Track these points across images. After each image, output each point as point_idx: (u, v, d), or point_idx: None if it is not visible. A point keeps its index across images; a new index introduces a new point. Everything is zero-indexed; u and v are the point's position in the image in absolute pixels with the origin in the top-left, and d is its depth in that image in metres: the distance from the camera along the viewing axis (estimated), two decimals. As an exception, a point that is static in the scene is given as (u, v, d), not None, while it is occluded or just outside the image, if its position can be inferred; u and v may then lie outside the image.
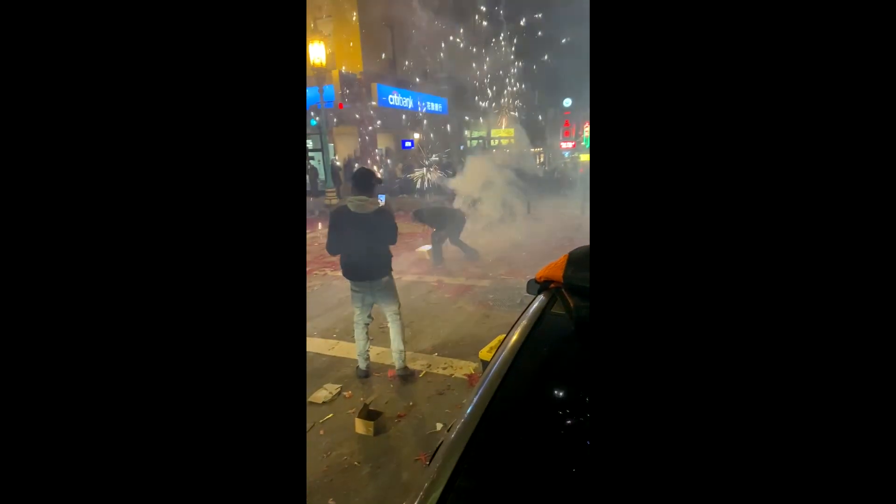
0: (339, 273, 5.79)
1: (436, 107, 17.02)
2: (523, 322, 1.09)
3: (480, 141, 19.41)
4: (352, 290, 3.03)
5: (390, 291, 3.04)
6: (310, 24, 14.18)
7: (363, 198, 2.82)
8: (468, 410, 0.86)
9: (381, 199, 2.99)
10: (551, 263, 1.20)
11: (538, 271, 1.24)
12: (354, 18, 13.94)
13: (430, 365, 3.34)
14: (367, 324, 3.11)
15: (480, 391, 0.90)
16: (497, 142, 19.95)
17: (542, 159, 19.78)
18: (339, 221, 2.84)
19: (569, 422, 0.84)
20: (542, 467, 0.79)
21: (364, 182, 2.86)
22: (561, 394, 0.92)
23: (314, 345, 3.77)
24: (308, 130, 14.52)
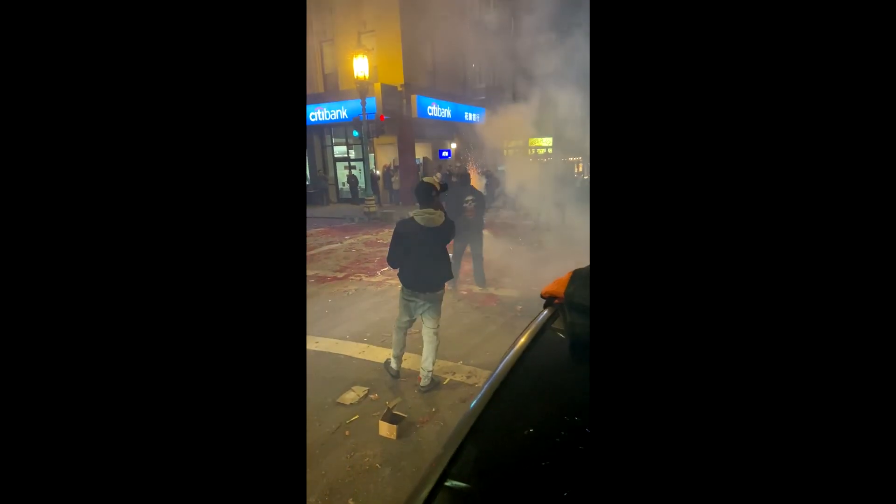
0: (374, 279, 5.95)
1: (474, 117, 17.13)
2: (522, 337, 1.12)
3: (517, 150, 19.32)
4: (405, 298, 3.07)
5: (437, 305, 3.11)
6: (354, 39, 14.69)
7: (430, 210, 2.90)
8: (459, 421, 0.90)
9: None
10: (557, 279, 1.22)
11: (545, 286, 1.26)
12: (397, 34, 14.32)
13: (454, 373, 3.38)
14: (409, 328, 3.19)
15: (474, 403, 0.94)
16: (534, 151, 19.78)
17: (580, 168, 19.44)
18: (407, 235, 2.90)
19: (559, 435, 0.86)
20: (530, 478, 0.81)
21: (426, 195, 2.93)
22: (553, 407, 0.95)
23: (345, 347, 3.90)
24: (350, 141, 14.99)
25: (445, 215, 3.03)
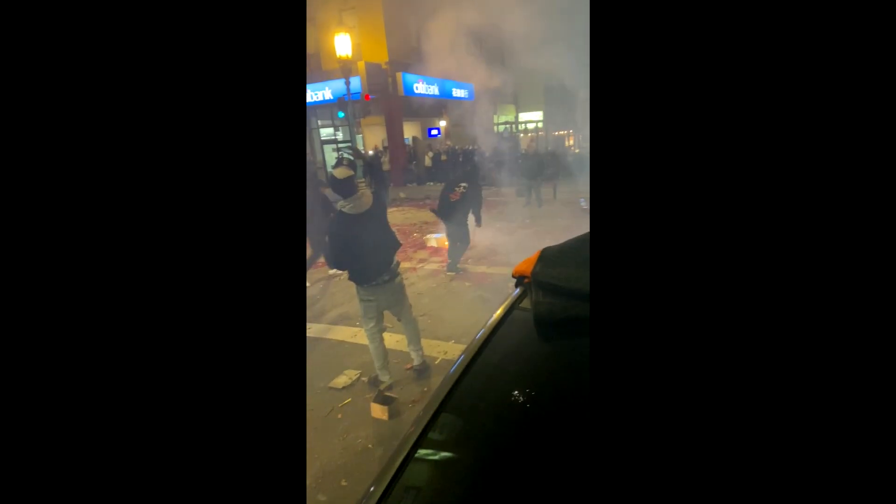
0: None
1: (462, 93, 16.87)
2: (493, 316, 1.13)
3: (508, 126, 19.08)
4: (364, 300, 2.89)
5: (400, 294, 2.97)
6: (335, 16, 14.31)
7: (355, 197, 2.71)
8: (432, 394, 0.92)
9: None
10: (526, 259, 1.23)
11: (515, 266, 1.27)
12: (378, 8, 13.96)
13: (446, 352, 3.42)
14: (382, 332, 3.01)
15: (449, 375, 0.96)
16: (524, 125, 19.57)
17: (571, 141, 19.30)
18: (343, 231, 2.72)
19: (526, 407, 0.88)
20: (501, 445, 0.83)
21: (348, 186, 2.72)
22: (519, 380, 0.97)
23: (338, 332, 3.93)
24: (336, 122, 14.77)
25: (372, 190, 2.83)
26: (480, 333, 1.11)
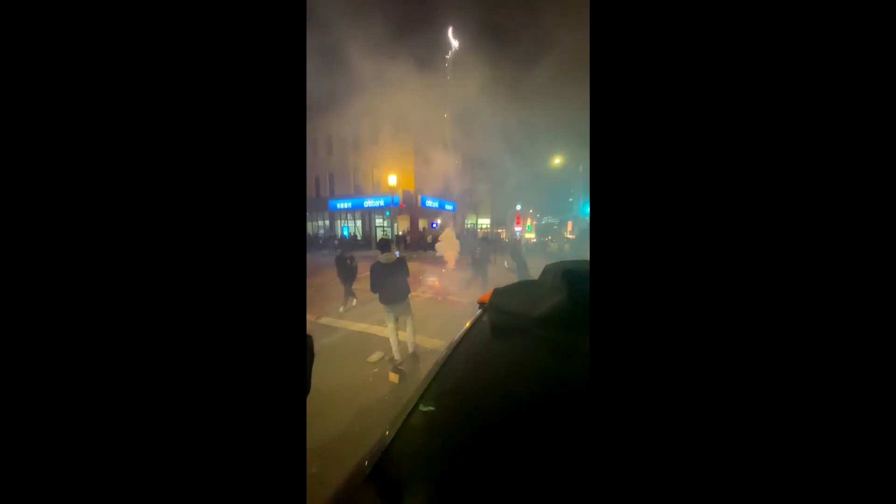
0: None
1: (450, 207, 17.65)
2: (467, 323, 1.10)
3: (472, 224, 19.89)
4: (386, 311, 2.87)
5: (408, 309, 2.93)
6: (390, 166, 15.25)
7: (388, 254, 2.80)
8: (429, 371, 0.86)
9: (397, 254, 2.92)
10: (486, 293, 1.22)
11: (480, 296, 1.26)
12: (411, 162, 14.99)
13: (434, 345, 3.24)
14: (396, 330, 2.90)
15: (438, 358, 0.91)
16: (479, 226, 20.44)
17: (503, 234, 20.13)
18: (378, 271, 2.78)
19: (483, 377, 0.83)
20: (470, 404, 0.76)
21: (385, 245, 2.86)
22: (479, 364, 0.92)
23: (374, 329, 3.70)
24: (384, 218, 15.13)
25: (400, 256, 2.92)
26: (458, 334, 1.06)
